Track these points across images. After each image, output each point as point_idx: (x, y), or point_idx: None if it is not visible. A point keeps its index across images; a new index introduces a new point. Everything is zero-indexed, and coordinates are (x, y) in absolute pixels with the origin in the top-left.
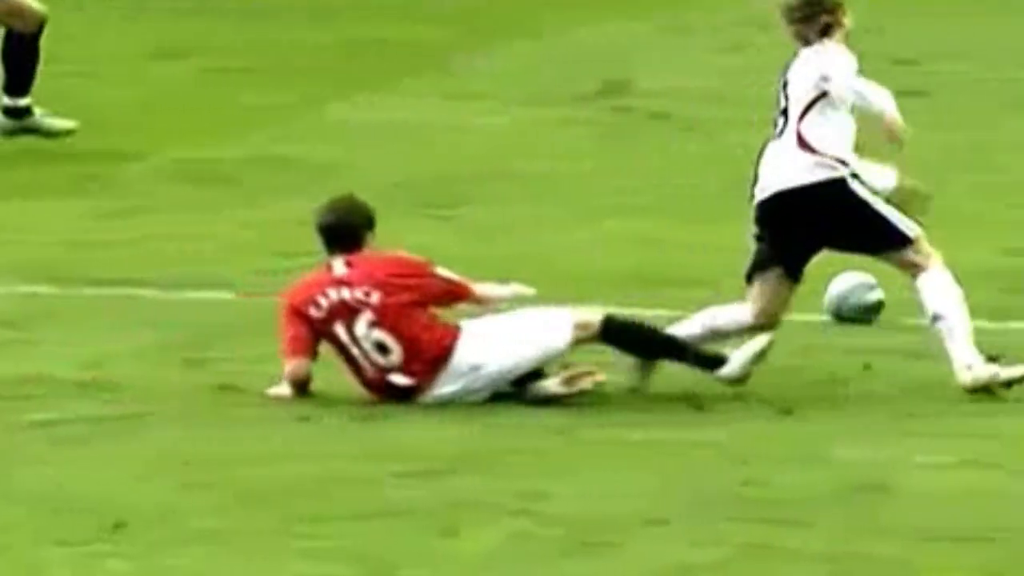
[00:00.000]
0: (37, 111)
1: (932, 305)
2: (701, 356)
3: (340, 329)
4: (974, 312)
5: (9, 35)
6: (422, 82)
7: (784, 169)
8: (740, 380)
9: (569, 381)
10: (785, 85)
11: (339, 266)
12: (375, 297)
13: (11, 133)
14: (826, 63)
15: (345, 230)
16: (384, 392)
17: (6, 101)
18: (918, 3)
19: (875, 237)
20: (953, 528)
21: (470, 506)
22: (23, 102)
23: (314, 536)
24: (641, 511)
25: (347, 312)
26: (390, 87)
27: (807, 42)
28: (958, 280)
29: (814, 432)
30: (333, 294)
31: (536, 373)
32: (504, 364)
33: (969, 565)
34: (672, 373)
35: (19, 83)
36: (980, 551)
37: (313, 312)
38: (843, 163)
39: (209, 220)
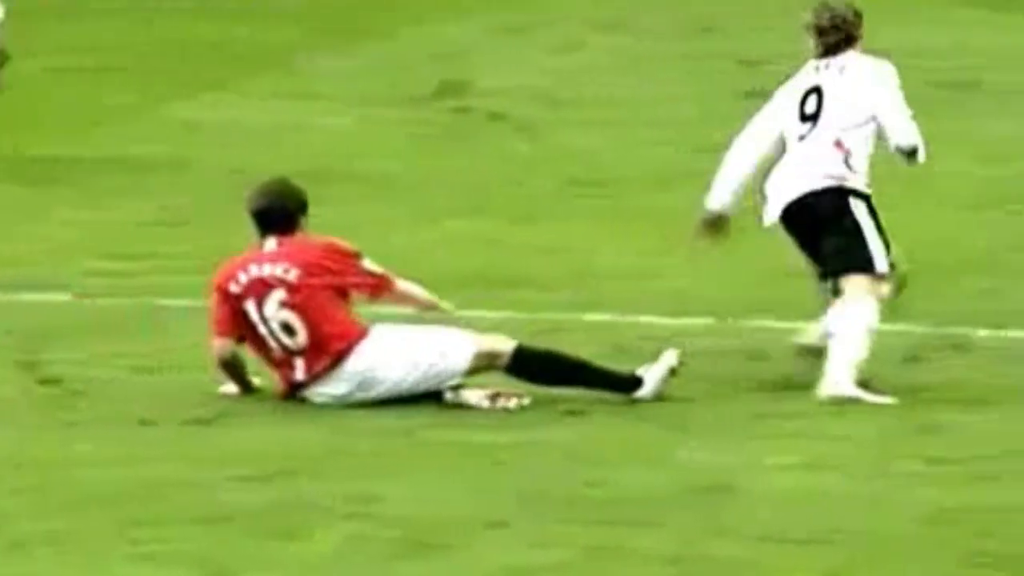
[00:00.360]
0: None
1: (834, 324)
2: (615, 380)
3: (251, 306)
4: (817, 314)
5: None
6: (265, 82)
7: (815, 173)
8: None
9: (493, 397)
10: (817, 92)
11: (269, 244)
12: (293, 274)
13: None
14: (889, 105)
15: (278, 214)
16: (292, 377)
17: None
18: (760, 2)
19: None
20: (797, 530)
21: (307, 509)
22: None
23: (149, 540)
24: (481, 513)
25: (261, 288)
26: (233, 87)
27: (834, 52)
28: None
29: (659, 433)
30: (254, 270)
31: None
32: (393, 377)
33: (812, 567)
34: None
35: None
36: (823, 553)
37: (233, 288)
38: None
39: (44, 221)
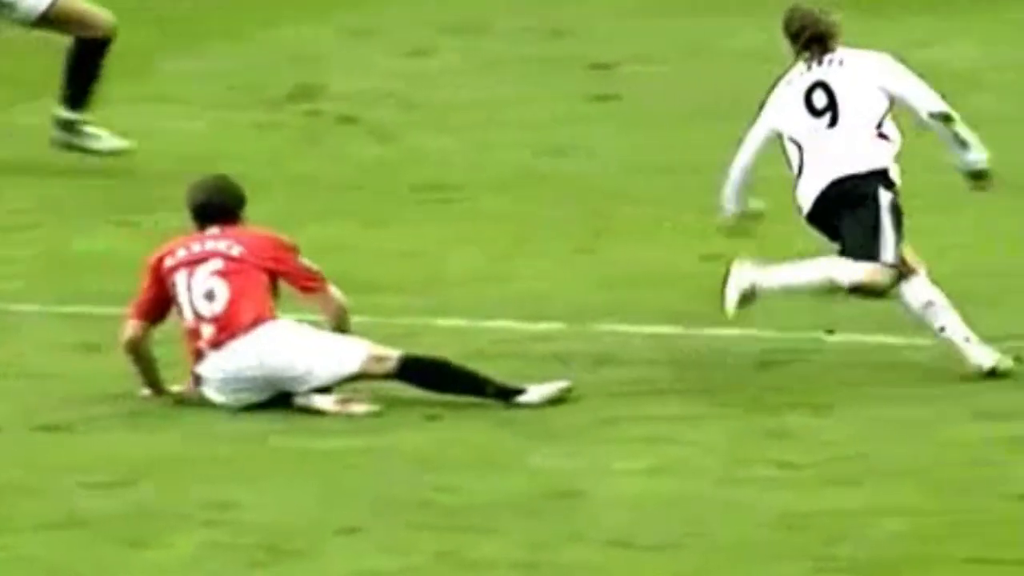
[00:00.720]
0: (89, 129)
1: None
2: (500, 389)
3: (182, 276)
4: (669, 319)
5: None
6: (117, 85)
7: (856, 159)
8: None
9: (343, 402)
10: (823, 86)
11: (212, 230)
12: (236, 250)
13: (67, 147)
14: (904, 80)
15: (219, 209)
16: (198, 345)
17: (62, 113)
18: (613, 5)
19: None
20: (647, 535)
21: (159, 516)
22: (74, 116)
23: None
24: (332, 519)
25: (199, 259)
26: None
27: (821, 49)
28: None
29: (511, 439)
30: (196, 247)
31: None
32: (281, 364)
33: (662, 572)
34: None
35: (75, 95)
36: (673, 558)
37: (168, 262)
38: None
39: None
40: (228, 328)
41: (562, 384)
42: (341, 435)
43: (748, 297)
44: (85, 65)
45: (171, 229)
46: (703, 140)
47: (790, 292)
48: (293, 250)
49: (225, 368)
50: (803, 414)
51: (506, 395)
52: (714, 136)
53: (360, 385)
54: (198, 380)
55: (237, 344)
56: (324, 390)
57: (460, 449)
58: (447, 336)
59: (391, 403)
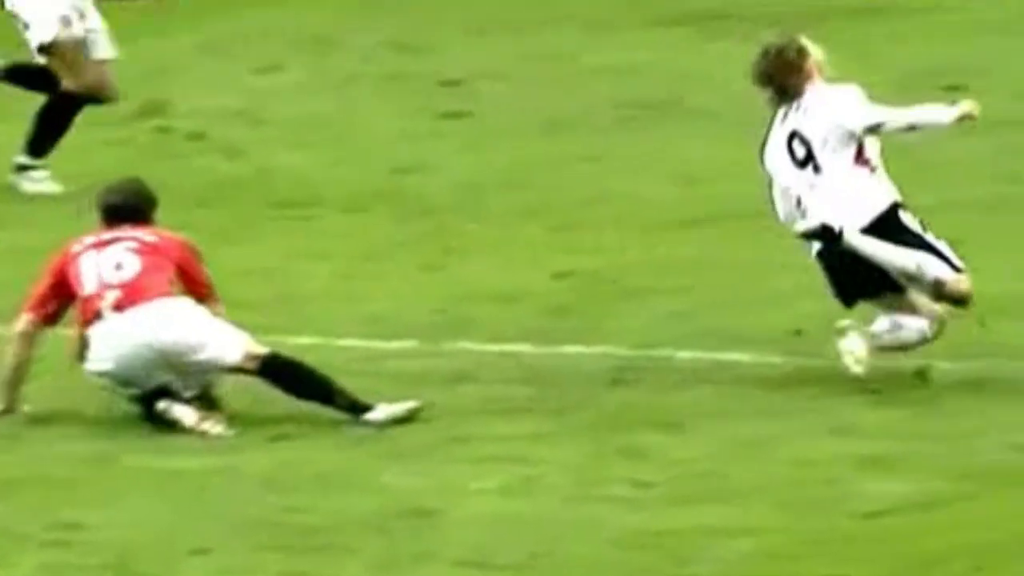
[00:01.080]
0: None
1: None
2: (351, 403)
3: (89, 256)
4: (519, 337)
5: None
6: None
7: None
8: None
9: (201, 420)
10: (797, 136)
11: (127, 227)
12: (150, 239)
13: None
14: (852, 113)
15: (130, 211)
16: (96, 307)
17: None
18: (463, 21)
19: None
20: (499, 555)
21: (2, 535)
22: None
23: None
24: (184, 539)
25: (110, 242)
26: None
27: (792, 94)
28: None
29: (362, 458)
30: (107, 235)
31: (169, 392)
32: (176, 336)
33: None
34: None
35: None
36: None
37: (75, 247)
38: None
39: None
40: (133, 295)
41: (411, 404)
42: (191, 455)
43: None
44: (56, 117)
45: (20, 247)
46: (553, 156)
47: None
48: (199, 257)
49: (120, 331)
50: (655, 432)
51: (355, 410)
52: (564, 152)
53: (226, 391)
54: (85, 345)
55: (138, 311)
56: (189, 400)
57: (309, 469)
58: (300, 354)
59: (242, 421)
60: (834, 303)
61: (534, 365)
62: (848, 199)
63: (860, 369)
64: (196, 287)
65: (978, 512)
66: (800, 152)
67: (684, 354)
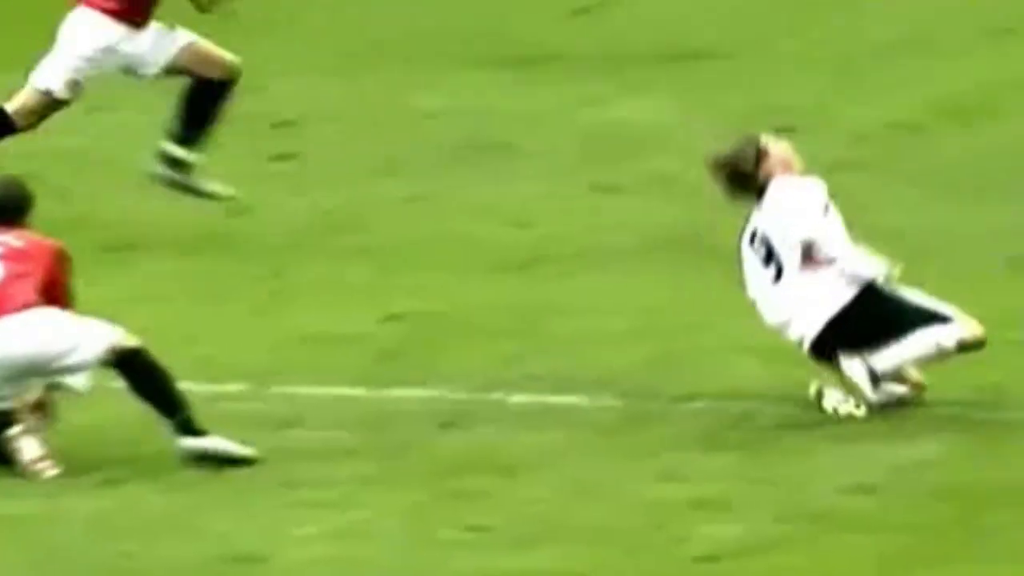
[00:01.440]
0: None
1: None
2: (186, 425)
3: None
4: (351, 380)
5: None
6: None
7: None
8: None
9: (37, 459)
10: (759, 236)
11: None
12: (21, 243)
13: (170, 185)
14: (794, 224)
15: (5, 205)
16: None
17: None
18: (296, 63)
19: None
20: None
21: None
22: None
23: None
24: None
25: None
26: None
27: (754, 194)
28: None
29: (191, 503)
30: None
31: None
32: (43, 345)
33: None
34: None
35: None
36: None
37: None
38: None
39: None
40: None
41: (246, 451)
42: (16, 499)
43: (876, 379)
44: (204, 106)
45: None
46: (385, 198)
47: (904, 367)
48: (69, 266)
49: None
50: (490, 475)
51: (189, 432)
52: (396, 194)
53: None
54: None
55: (3, 322)
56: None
57: (140, 513)
58: (128, 397)
59: (69, 462)
60: (668, 342)
61: (366, 409)
62: (805, 301)
63: (875, 396)
64: (59, 297)
65: (810, 554)
66: (761, 251)
67: (518, 397)
